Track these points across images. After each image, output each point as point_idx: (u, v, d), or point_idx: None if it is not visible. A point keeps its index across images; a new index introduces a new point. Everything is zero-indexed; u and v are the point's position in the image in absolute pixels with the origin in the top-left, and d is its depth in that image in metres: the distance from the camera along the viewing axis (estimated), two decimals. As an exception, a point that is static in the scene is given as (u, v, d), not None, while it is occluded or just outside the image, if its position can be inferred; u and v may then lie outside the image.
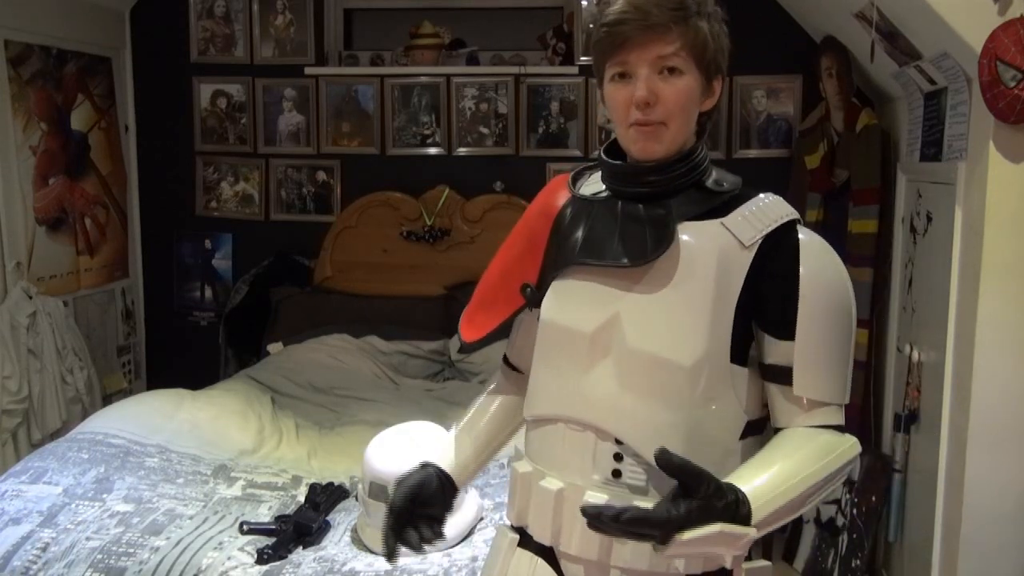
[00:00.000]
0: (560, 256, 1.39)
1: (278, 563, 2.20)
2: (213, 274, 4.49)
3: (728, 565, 1.26)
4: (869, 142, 3.40)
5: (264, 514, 2.46)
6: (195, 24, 4.36)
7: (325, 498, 2.48)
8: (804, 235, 1.34)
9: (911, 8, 2.52)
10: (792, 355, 1.32)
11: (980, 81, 2.31)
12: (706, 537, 1.13)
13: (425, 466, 1.54)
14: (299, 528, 2.30)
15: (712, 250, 1.30)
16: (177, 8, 4.35)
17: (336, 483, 2.61)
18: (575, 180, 1.46)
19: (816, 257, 1.34)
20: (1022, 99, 2.22)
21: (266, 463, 2.87)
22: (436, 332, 3.97)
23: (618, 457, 1.31)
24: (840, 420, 1.34)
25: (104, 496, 2.50)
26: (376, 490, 2.27)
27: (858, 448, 1.34)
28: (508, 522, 1.48)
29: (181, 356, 4.47)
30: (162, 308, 4.54)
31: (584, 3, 4.03)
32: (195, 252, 4.50)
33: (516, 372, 1.58)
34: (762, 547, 3.88)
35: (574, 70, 4.07)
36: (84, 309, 4.08)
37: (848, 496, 3.31)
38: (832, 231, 3.64)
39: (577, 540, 1.33)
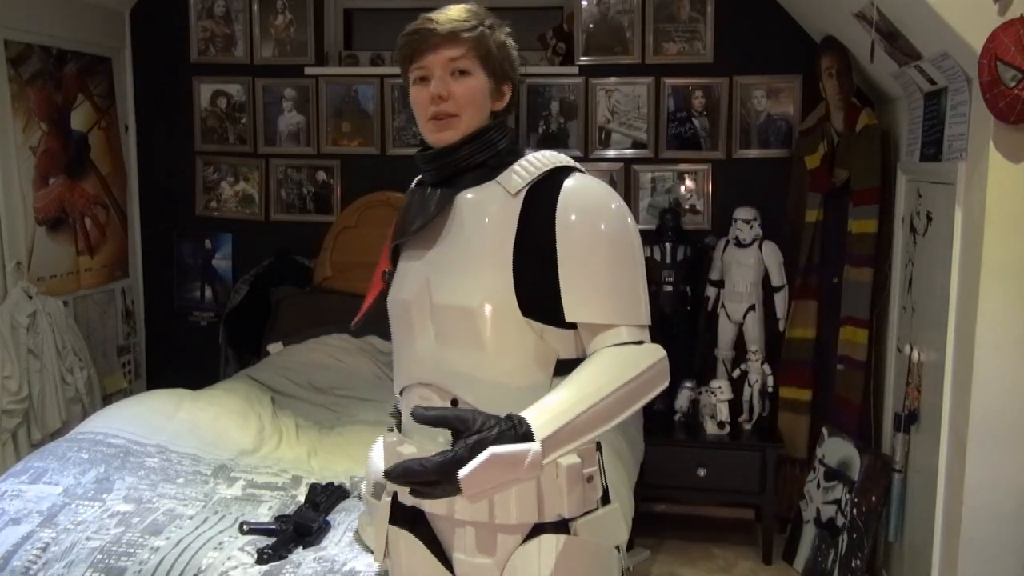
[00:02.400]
0: (393, 240, 1.63)
1: (278, 563, 2.20)
2: (213, 274, 4.49)
3: (522, 477, 1.29)
4: (869, 142, 3.40)
5: (264, 514, 2.46)
6: (195, 24, 4.36)
7: (325, 498, 2.48)
8: (571, 180, 1.48)
9: (911, 8, 2.53)
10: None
11: (980, 81, 2.31)
12: (484, 465, 1.21)
13: None
14: (299, 528, 2.30)
15: (487, 205, 1.50)
16: (177, 8, 4.35)
17: (336, 483, 2.61)
18: (419, 183, 1.65)
19: (574, 194, 1.46)
20: (1022, 99, 2.22)
21: (266, 463, 2.86)
22: (436, 332, 3.96)
23: None
24: (639, 337, 1.44)
25: (104, 496, 2.50)
26: (379, 490, 2.27)
27: (658, 353, 1.43)
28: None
29: (181, 356, 4.47)
30: (162, 308, 4.55)
31: (584, 3, 4.03)
32: (195, 252, 4.50)
33: None
34: (762, 547, 3.87)
35: (574, 70, 4.07)
36: (84, 309, 4.08)
37: (848, 496, 3.31)
38: (832, 231, 3.65)
39: (428, 500, 1.46)
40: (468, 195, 1.52)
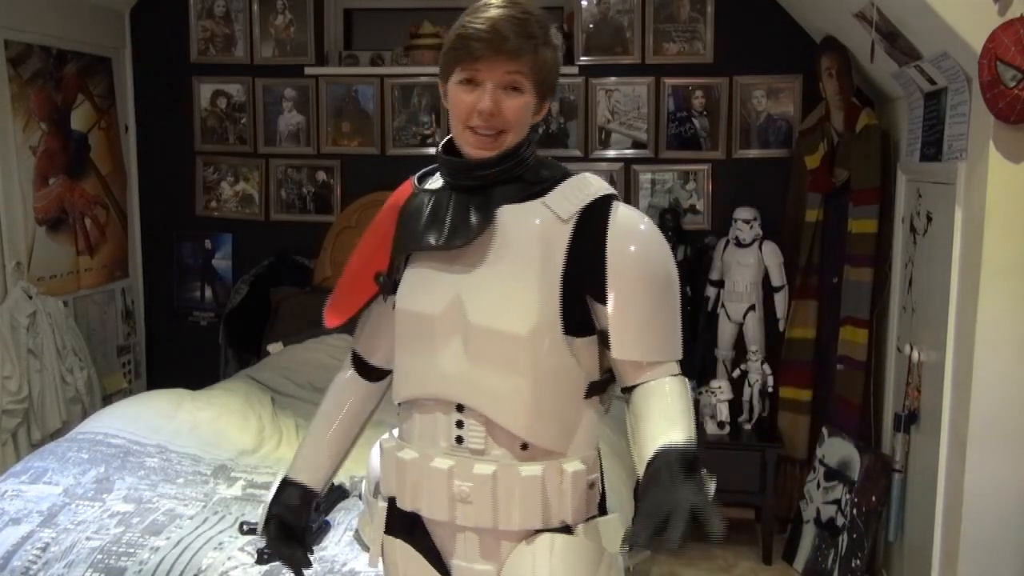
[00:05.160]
0: (402, 243, 1.53)
1: (278, 563, 2.19)
2: (213, 274, 4.49)
3: None
4: (869, 142, 3.40)
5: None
6: (195, 24, 4.36)
7: (325, 498, 2.48)
8: (615, 209, 1.46)
9: (911, 8, 2.53)
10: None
11: (980, 81, 2.31)
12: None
13: (287, 485, 1.70)
14: (299, 528, 2.30)
15: (533, 227, 1.44)
16: (177, 8, 4.35)
17: (336, 483, 2.61)
18: (421, 179, 1.59)
19: (622, 229, 1.45)
20: (1022, 99, 2.22)
21: (266, 463, 2.86)
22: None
23: (459, 424, 1.46)
24: (673, 370, 1.47)
25: (104, 496, 2.50)
26: (379, 490, 2.26)
27: (687, 383, 1.48)
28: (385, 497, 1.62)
29: (181, 356, 4.47)
30: (162, 308, 4.55)
31: (584, 3, 4.03)
32: (195, 252, 4.50)
33: (365, 366, 1.70)
34: (762, 547, 3.88)
35: (574, 70, 4.07)
36: (84, 309, 4.08)
37: (848, 496, 3.31)
38: (832, 231, 3.65)
39: (426, 504, 1.50)
40: (509, 212, 1.46)
